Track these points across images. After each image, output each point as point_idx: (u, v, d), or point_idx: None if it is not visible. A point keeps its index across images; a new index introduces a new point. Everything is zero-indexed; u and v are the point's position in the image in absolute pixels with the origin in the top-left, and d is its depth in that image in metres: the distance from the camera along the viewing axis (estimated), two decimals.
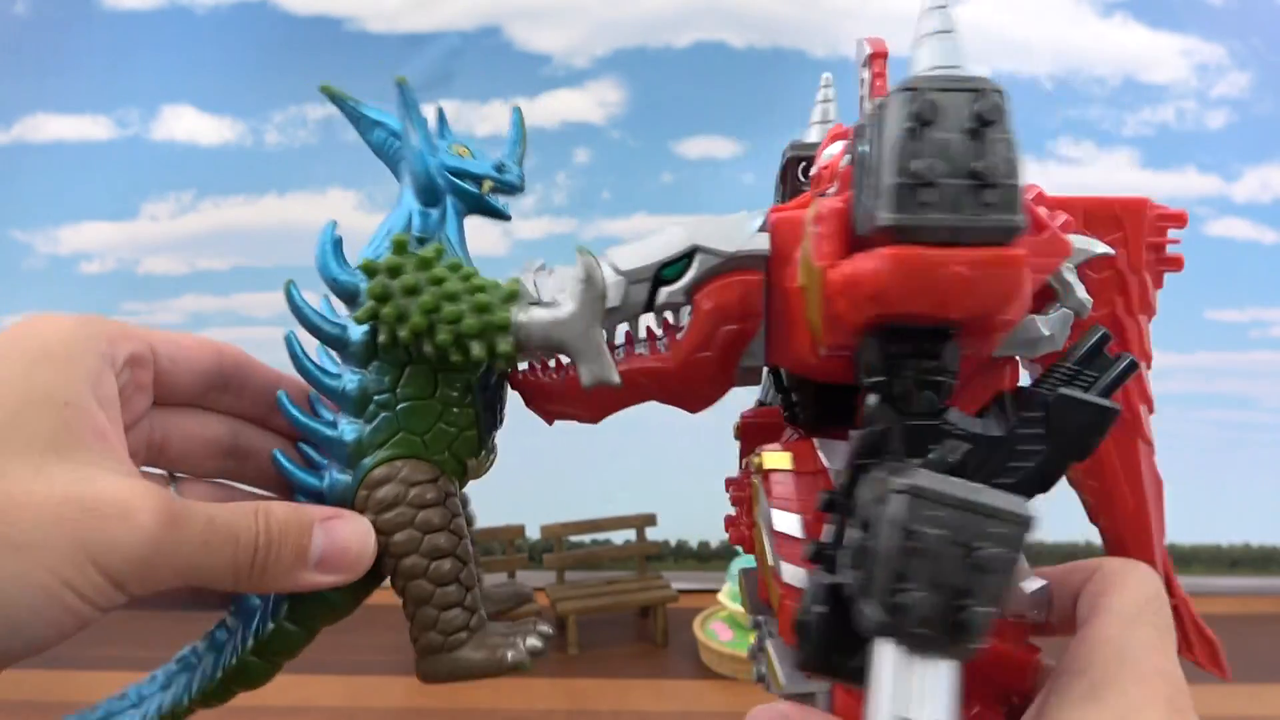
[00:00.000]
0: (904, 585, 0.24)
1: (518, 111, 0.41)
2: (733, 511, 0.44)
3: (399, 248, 0.35)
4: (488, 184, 0.38)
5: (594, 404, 0.36)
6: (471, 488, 0.40)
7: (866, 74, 0.34)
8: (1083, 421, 0.28)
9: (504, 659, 0.37)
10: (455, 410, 0.37)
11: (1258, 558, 1.37)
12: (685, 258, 0.34)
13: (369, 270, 0.35)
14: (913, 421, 0.28)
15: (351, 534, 0.35)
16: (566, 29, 1.31)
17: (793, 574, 0.32)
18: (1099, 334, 0.29)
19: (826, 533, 0.29)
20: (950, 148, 0.25)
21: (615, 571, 1.27)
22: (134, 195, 1.35)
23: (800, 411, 0.37)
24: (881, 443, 0.27)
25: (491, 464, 0.40)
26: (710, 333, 0.34)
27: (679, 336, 0.34)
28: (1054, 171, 1.31)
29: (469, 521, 0.41)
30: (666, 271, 0.34)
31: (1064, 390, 0.28)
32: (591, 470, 1.28)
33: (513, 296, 0.35)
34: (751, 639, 0.46)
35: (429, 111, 0.38)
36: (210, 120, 1.34)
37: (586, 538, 1.26)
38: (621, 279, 0.34)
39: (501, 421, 0.40)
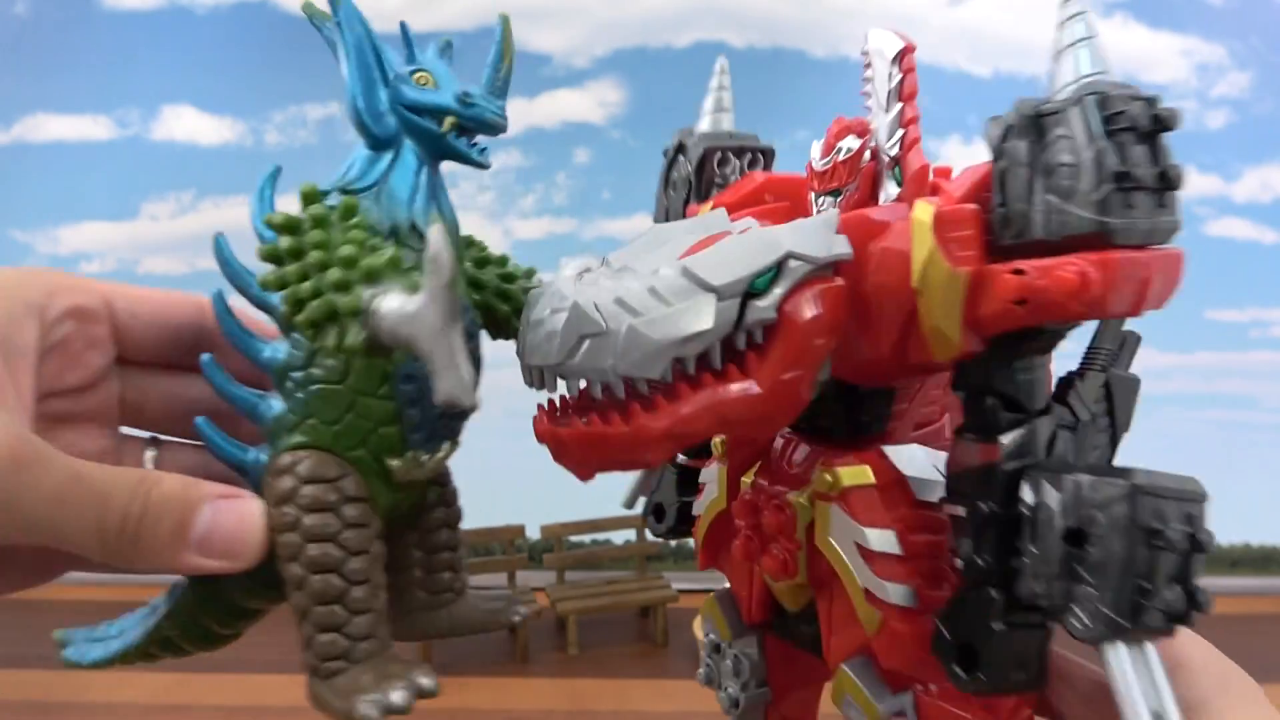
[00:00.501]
0: (1148, 584, 0.24)
1: (504, 20, 0.34)
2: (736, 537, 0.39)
3: (306, 199, 0.31)
4: (449, 120, 0.32)
5: (665, 447, 0.30)
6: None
7: (895, 70, 0.33)
8: (1129, 396, 0.29)
9: (353, 709, 0.30)
10: (369, 401, 0.32)
11: (1258, 558, 1.37)
12: (775, 266, 0.29)
13: (269, 224, 0.31)
14: (1037, 418, 0.28)
15: (241, 519, 0.31)
16: (566, 29, 1.31)
17: (901, 594, 0.31)
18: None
19: (973, 546, 0.28)
20: (1140, 153, 0.26)
21: (615, 571, 1.27)
22: (134, 195, 1.35)
23: (831, 421, 0.35)
24: (1029, 445, 0.27)
25: (433, 467, 0.34)
26: (803, 348, 0.30)
27: (760, 357, 0.30)
28: None
29: (452, 520, 0.37)
30: (756, 283, 0.29)
31: (1114, 370, 0.29)
32: None
33: (372, 274, 0.30)
34: (710, 663, 0.42)
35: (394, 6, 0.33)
36: (210, 120, 1.34)
37: (586, 538, 1.26)
38: (711, 295, 0.29)
39: (443, 417, 0.34)
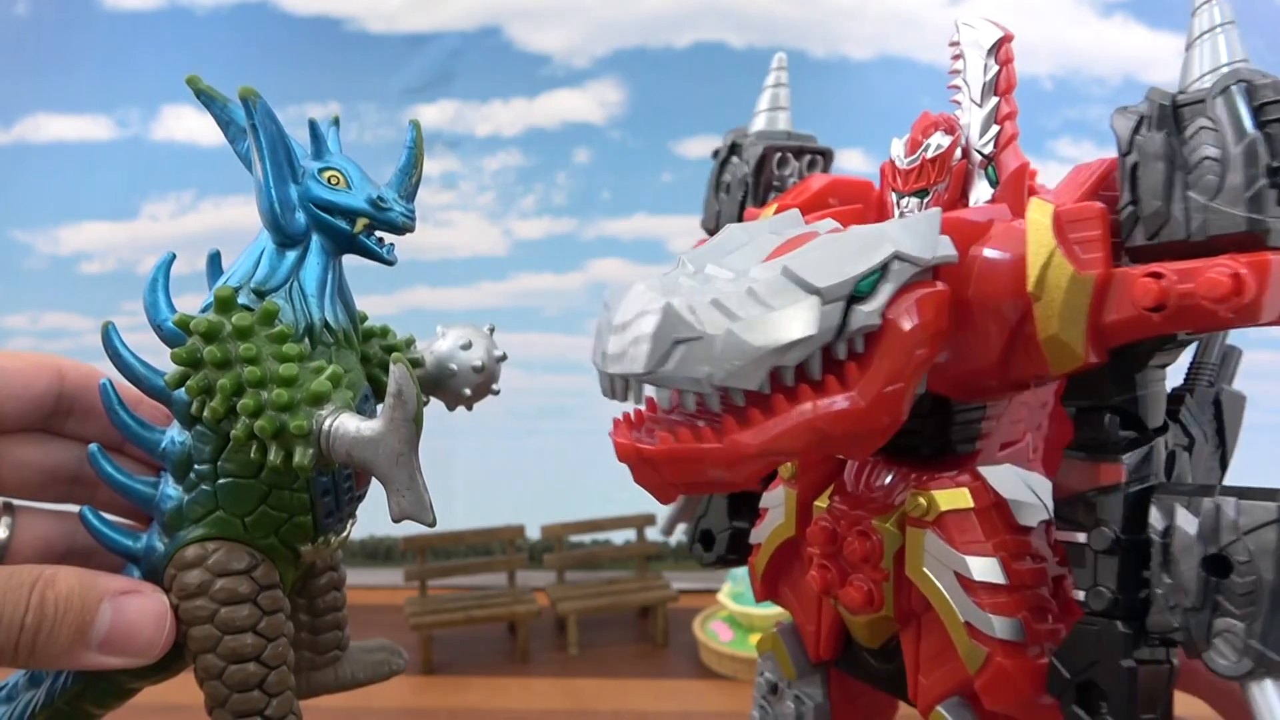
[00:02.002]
0: None
1: (414, 127, 0.34)
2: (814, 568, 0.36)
3: (222, 305, 0.30)
4: (361, 221, 0.32)
5: (758, 466, 0.28)
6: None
7: (990, 62, 0.31)
8: (1237, 413, 0.27)
9: None
10: (284, 494, 0.32)
11: None
12: (881, 268, 0.27)
13: (182, 326, 0.30)
14: (1155, 436, 0.26)
15: (145, 615, 0.30)
16: (566, 29, 1.31)
17: (1008, 627, 0.28)
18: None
19: (1095, 576, 0.26)
20: None
21: (615, 571, 1.27)
22: (134, 195, 1.35)
23: (916, 440, 0.33)
24: (1148, 465, 0.25)
25: (340, 544, 0.35)
26: (906, 359, 0.27)
27: (860, 368, 0.27)
28: (1054, 171, 1.31)
29: (339, 582, 0.38)
30: (861, 285, 0.27)
31: (1222, 385, 0.28)
32: (591, 470, 1.28)
33: (319, 398, 0.29)
34: (765, 705, 0.39)
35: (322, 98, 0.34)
36: (210, 120, 1.33)
37: (586, 538, 1.25)
38: (814, 298, 0.26)
39: (352, 501, 0.35)
